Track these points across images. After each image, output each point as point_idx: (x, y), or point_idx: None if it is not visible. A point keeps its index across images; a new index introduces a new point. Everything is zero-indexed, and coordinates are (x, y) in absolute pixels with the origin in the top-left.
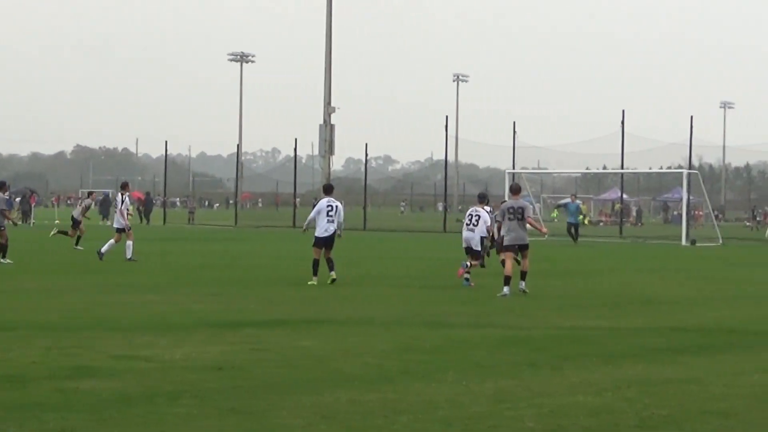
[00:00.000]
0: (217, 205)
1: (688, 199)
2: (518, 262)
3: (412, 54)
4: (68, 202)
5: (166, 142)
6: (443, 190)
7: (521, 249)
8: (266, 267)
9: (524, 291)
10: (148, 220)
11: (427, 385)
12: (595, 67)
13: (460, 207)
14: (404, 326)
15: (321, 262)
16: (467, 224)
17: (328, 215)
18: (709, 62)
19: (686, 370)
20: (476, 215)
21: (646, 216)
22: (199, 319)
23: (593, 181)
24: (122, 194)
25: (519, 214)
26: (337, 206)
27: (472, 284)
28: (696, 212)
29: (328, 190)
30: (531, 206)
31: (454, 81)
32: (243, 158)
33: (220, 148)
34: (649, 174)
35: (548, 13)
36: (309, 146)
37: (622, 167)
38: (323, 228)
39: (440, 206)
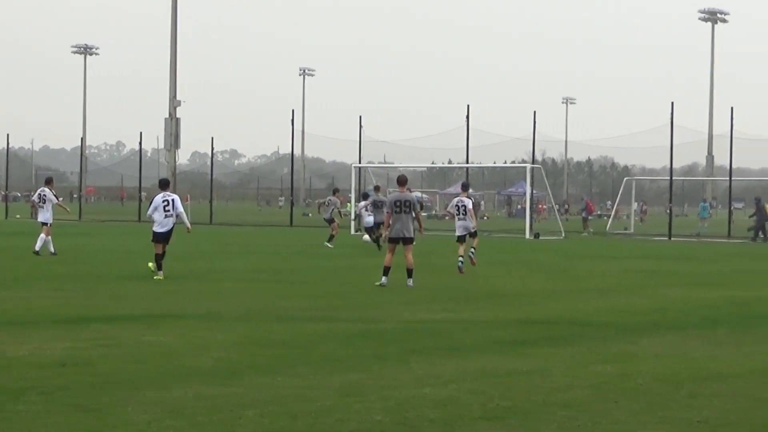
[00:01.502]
0: (61, 199)
1: (532, 193)
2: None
3: (258, 47)
4: None
5: (8, 135)
6: (290, 184)
7: (405, 242)
8: (112, 262)
9: (410, 286)
10: None
11: (274, 379)
12: (440, 62)
13: (306, 201)
14: (252, 320)
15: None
16: (457, 215)
17: (165, 210)
18: (551, 58)
19: (531, 362)
20: (462, 205)
21: (489, 209)
22: (44, 315)
23: (439, 176)
24: None
25: (406, 207)
26: (173, 200)
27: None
28: (539, 206)
29: (163, 185)
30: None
31: (300, 75)
32: (87, 152)
33: (64, 141)
34: (493, 168)
35: (394, 6)
36: (154, 140)
37: (467, 161)
38: (161, 223)
39: (281, 200)
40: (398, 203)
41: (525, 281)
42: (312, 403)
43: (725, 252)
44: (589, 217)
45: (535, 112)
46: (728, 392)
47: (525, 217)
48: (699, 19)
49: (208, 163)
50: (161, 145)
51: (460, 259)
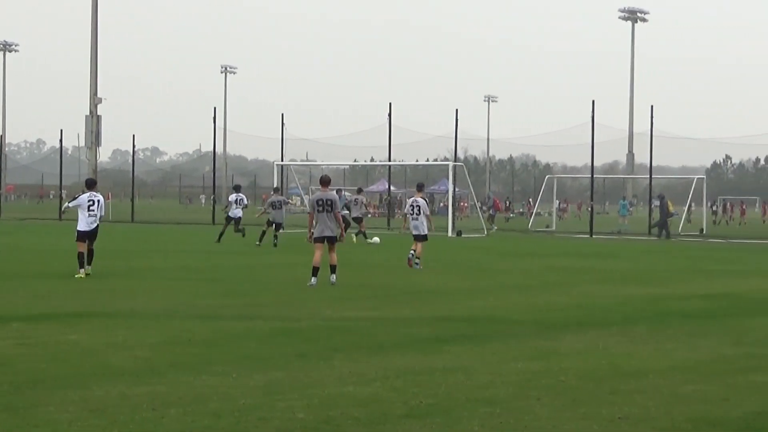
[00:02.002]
0: None
1: (454, 190)
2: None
3: (180, 44)
4: None
5: None
6: (212, 182)
7: (330, 241)
8: (32, 260)
9: (334, 283)
10: None
11: (196, 377)
12: (362, 59)
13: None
14: (173, 319)
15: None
16: (411, 214)
17: (89, 210)
18: (473, 56)
19: (453, 359)
20: (416, 205)
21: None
22: None
23: (361, 173)
24: None
25: (328, 206)
26: (98, 200)
27: (421, 267)
28: (461, 204)
29: (90, 184)
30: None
31: (222, 72)
32: (6, 149)
33: None
34: (416, 166)
35: (313, 3)
36: (75, 137)
37: (390, 159)
38: (85, 222)
39: (202, 198)
40: (320, 202)
41: (446, 279)
42: (235, 402)
43: (645, 249)
44: (496, 214)
45: (457, 110)
46: (648, 388)
47: (447, 215)
48: (619, 18)
49: (130, 160)
50: (82, 143)
51: (412, 252)
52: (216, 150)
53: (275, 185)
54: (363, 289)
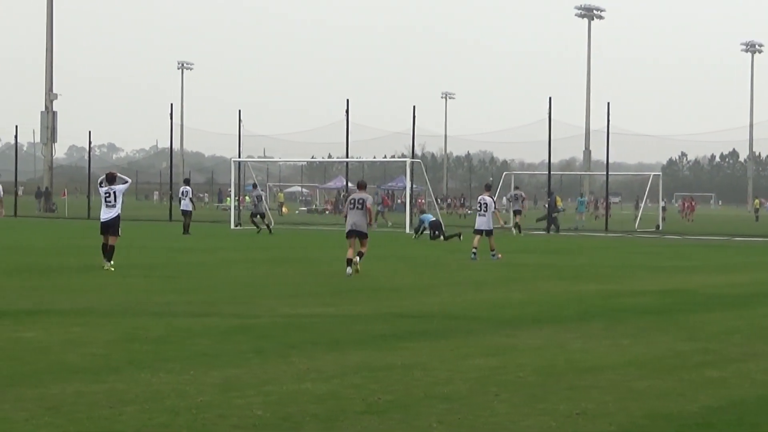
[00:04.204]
0: None
1: (412, 187)
2: None
3: (137, 40)
4: None
5: None
6: (169, 178)
7: (360, 236)
8: None
9: (356, 264)
10: None
11: (153, 375)
12: (320, 56)
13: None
14: (128, 316)
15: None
16: (478, 211)
17: (106, 201)
18: (430, 53)
19: (410, 356)
20: (484, 203)
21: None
22: None
23: (319, 170)
24: None
25: (359, 205)
26: (114, 192)
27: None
28: (419, 200)
29: (110, 179)
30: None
31: (178, 68)
32: None
33: None
34: (373, 162)
35: (272, 2)
36: (31, 133)
37: (347, 156)
38: (104, 212)
39: (156, 195)
40: (353, 201)
41: (402, 276)
42: (192, 399)
43: (602, 245)
44: (386, 210)
45: (414, 106)
46: (605, 384)
47: (405, 212)
48: (576, 15)
49: (86, 157)
50: (38, 139)
51: (474, 251)
52: (173, 146)
53: (253, 182)
54: (318, 285)
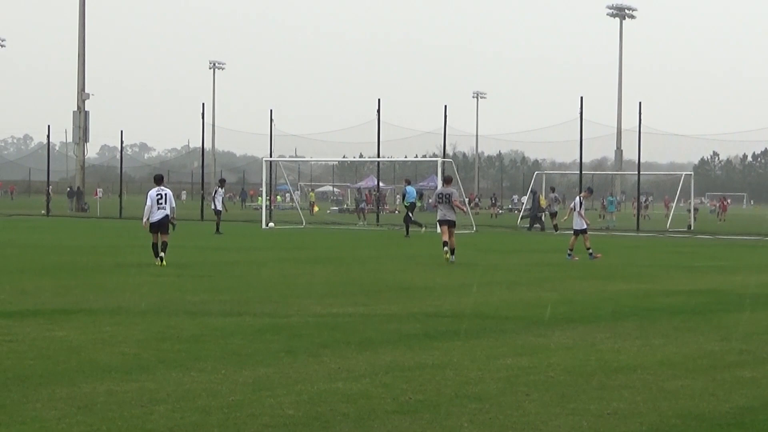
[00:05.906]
0: None
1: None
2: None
3: (169, 40)
4: None
5: None
6: (200, 177)
7: (449, 225)
8: (18, 256)
9: (452, 262)
10: None
11: (185, 374)
12: (351, 55)
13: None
14: (161, 315)
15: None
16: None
17: (158, 203)
18: (462, 53)
19: (441, 355)
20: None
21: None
22: None
23: (350, 169)
24: None
25: (446, 198)
26: (166, 194)
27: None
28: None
29: (158, 180)
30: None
31: (210, 68)
32: None
33: None
34: (404, 162)
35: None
36: (63, 133)
37: (379, 155)
38: (155, 214)
39: (184, 194)
40: (440, 196)
41: (434, 275)
42: (224, 398)
43: (633, 245)
44: (366, 208)
45: (446, 106)
46: (637, 384)
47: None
48: (607, 14)
49: (118, 156)
50: (70, 139)
51: (569, 251)
52: (204, 146)
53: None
54: (351, 285)
